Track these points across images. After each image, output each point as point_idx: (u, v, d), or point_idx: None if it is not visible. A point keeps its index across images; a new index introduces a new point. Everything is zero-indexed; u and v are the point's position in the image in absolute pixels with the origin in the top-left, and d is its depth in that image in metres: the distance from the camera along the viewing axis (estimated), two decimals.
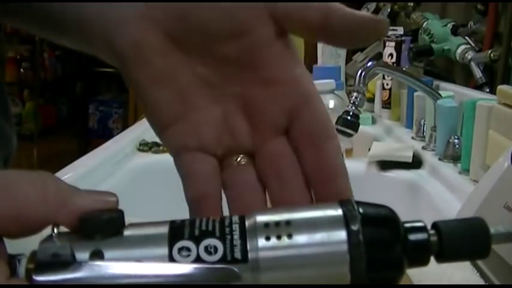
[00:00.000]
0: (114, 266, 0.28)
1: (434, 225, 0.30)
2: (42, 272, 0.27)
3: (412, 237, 0.29)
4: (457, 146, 0.95)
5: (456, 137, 0.96)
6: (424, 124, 1.16)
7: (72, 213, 0.29)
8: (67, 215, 0.29)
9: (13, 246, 0.29)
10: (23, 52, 4.93)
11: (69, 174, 0.83)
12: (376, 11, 1.77)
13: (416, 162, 1.01)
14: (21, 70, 4.94)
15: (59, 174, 0.82)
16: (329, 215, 0.29)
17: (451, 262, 0.30)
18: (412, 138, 1.20)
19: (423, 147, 1.09)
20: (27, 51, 4.92)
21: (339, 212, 0.29)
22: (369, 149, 1.08)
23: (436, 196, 0.87)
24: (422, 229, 0.30)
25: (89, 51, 0.37)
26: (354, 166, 1.06)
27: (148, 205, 0.98)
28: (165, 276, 0.27)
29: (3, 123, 0.54)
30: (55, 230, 0.29)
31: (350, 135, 1.01)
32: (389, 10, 1.71)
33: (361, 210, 0.29)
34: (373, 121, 1.46)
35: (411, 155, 1.02)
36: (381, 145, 1.16)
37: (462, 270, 0.55)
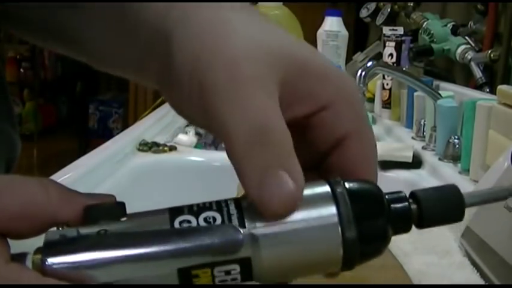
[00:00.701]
0: (121, 237, 0.29)
1: (413, 194, 0.32)
2: (51, 253, 0.28)
3: (395, 206, 0.31)
4: (457, 146, 0.95)
5: (456, 137, 0.96)
6: (424, 124, 1.16)
7: (76, 208, 0.30)
8: (71, 210, 0.30)
9: (17, 247, 0.29)
10: (23, 52, 4.93)
11: (69, 174, 0.83)
12: (376, 11, 1.77)
13: (416, 162, 1.01)
14: (21, 70, 4.94)
15: (59, 174, 0.82)
16: (318, 191, 0.30)
17: (430, 227, 0.32)
18: (412, 138, 1.20)
19: (423, 147, 1.09)
20: (27, 51, 4.92)
21: (327, 187, 0.30)
22: None
23: None
24: (403, 199, 0.32)
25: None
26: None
27: (148, 205, 0.98)
28: (168, 240, 0.29)
29: (7, 127, 0.54)
30: (60, 229, 0.30)
31: None
32: (389, 10, 1.71)
33: (347, 185, 0.30)
34: (373, 121, 1.46)
35: (411, 155, 1.02)
36: (381, 145, 1.16)
37: (462, 271, 0.55)
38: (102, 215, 0.30)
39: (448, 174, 0.91)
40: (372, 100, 1.53)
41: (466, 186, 0.82)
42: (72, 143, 4.45)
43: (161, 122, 1.36)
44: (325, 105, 0.31)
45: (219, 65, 0.28)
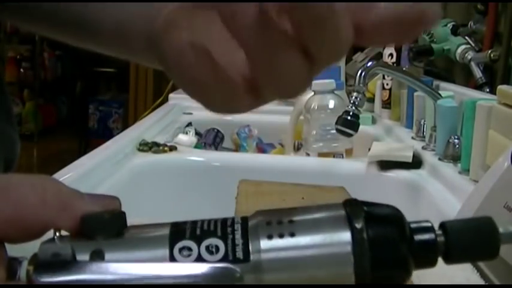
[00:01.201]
0: (114, 266, 0.27)
1: (442, 226, 0.29)
2: (43, 272, 0.27)
3: (418, 237, 0.29)
4: (457, 146, 0.95)
5: (456, 137, 0.96)
6: (424, 124, 1.16)
7: (73, 216, 0.29)
8: (67, 218, 0.29)
9: (16, 251, 0.29)
10: (23, 52, 4.93)
11: (69, 174, 0.83)
12: None
13: (416, 162, 1.01)
14: (21, 70, 4.94)
15: (59, 174, 0.82)
16: (332, 215, 0.28)
17: (459, 263, 0.30)
18: (412, 138, 1.20)
19: (423, 147, 1.09)
20: (27, 51, 4.92)
21: (342, 212, 0.28)
22: (369, 149, 1.07)
23: (436, 196, 0.87)
24: (429, 229, 0.29)
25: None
26: (354, 166, 1.06)
27: (148, 205, 0.98)
28: (165, 277, 0.27)
29: (6, 127, 0.54)
30: (57, 234, 0.29)
31: (350, 135, 1.01)
32: None
33: (365, 209, 0.28)
34: (373, 121, 1.46)
35: (411, 155, 1.02)
36: (381, 145, 1.16)
37: (463, 271, 0.55)
38: (100, 229, 0.28)
39: (448, 174, 0.90)
40: (371, 100, 1.53)
41: (466, 186, 0.82)
42: (72, 143, 4.45)
43: (161, 122, 1.36)
44: None
45: None
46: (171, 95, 1.67)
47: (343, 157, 1.14)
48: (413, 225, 0.29)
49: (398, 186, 0.99)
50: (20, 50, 4.92)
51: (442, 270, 0.55)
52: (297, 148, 1.31)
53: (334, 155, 1.14)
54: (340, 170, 1.05)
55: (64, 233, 0.29)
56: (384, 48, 1.43)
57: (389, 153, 1.03)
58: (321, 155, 1.14)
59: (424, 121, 1.16)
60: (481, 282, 0.53)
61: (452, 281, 0.53)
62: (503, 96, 0.76)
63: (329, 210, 0.29)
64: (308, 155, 1.16)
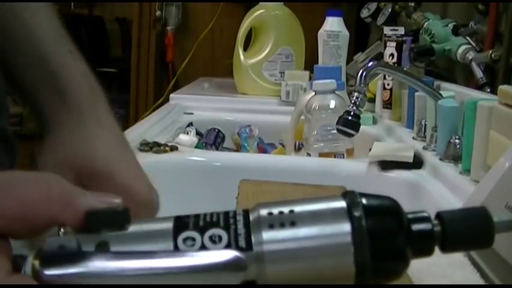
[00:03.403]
0: (120, 257, 0.28)
1: (438, 215, 0.30)
2: (48, 264, 0.27)
3: (416, 226, 0.29)
4: (458, 146, 0.95)
5: (457, 137, 0.96)
6: (425, 124, 1.16)
7: (77, 212, 0.29)
8: (72, 213, 0.29)
9: (17, 249, 0.29)
10: None
11: None
12: (377, 11, 1.77)
13: (417, 163, 1.01)
14: None
15: None
16: (332, 206, 0.29)
17: (455, 252, 0.30)
18: (413, 138, 1.20)
19: (424, 148, 1.09)
20: None
21: (342, 203, 0.29)
22: (370, 149, 1.07)
23: (436, 196, 0.87)
24: (426, 219, 0.30)
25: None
26: (355, 166, 1.06)
27: None
28: (169, 265, 0.28)
29: (6, 127, 0.54)
30: (61, 229, 0.29)
31: (351, 135, 1.01)
32: (390, 10, 1.71)
33: (364, 201, 0.29)
34: (374, 121, 1.46)
35: (412, 155, 1.02)
36: (382, 145, 1.16)
37: (462, 270, 0.55)
38: (104, 223, 0.29)
39: (449, 174, 0.90)
40: (372, 100, 1.53)
41: (467, 186, 0.82)
42: None
43: (162, 122, 1.36)
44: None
45: None
46: (172, 95, 1.67)
47: (344, 157, 1.14)
48: (410, 216, 0.30)
49: (399, 186, 0.99)
50: None
51: (443, 270, 0.55)
52: (298, 148, 1.31)
53: (335, 155, 1.14)
54: (341, 170, 1.05)
55: (68, 229, 0.29)
56: (385, 48, 1.43)
57: (390, 153, 1.03)
58: (322, 155, 1.14)
59: (425, 121, 1.16)
60: (481, 282, 0.53)
61: (453, 281, 0.53)
62: (504, 97, 0.76)
63: (329, 201, 0.29)
64: (309, 155, 1.16)
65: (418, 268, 0.55)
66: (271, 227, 0.28)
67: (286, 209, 0.29)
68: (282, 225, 0.28)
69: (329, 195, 0.30)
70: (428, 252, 0.30)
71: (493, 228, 0.30)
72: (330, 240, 0.28)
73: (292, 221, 0.28)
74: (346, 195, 0.29)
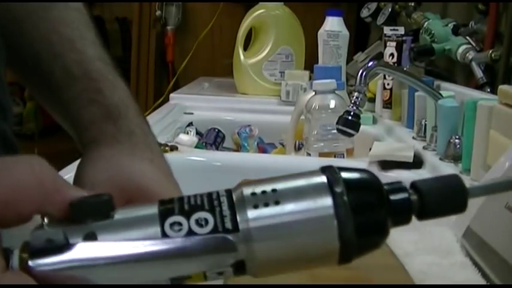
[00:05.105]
0: (108, 246, 0.28)
1: (413, 185, 0.31)
2: (37, 258, 0.27)
3: (394, 197, 0.30)
4: (458, 146, 0.95)
5: (457, 136, 0.96)
6: (425, 124, 1.16)
7: (64, 200, 0.29)
8: (60, 201, 0.29)
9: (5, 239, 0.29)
10: None
11: (69, 174, 0.82)
12: (377, 11, 1.77)
13: (417, 162, 1.01)
14: None
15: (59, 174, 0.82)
16: (313, 181, 0.30)
17: (431, 218, 0.31)
18: (413, 138, 1.20)
19: (424, 147, 1.09)
20: None
21: (323, 178, 0.29)
22: (370, 149, 1.07)
23: None
24: (403, 189, 0.31)
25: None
26: (355, 166, 1.06)
27: None
28: (159, 252, 0.28)
29: (5, 127, 0.55)
30: (45, 219, 0.29)
31: (351, 135, 1.01)
32: (390, 10, 1.71)
33: (343, 175, 0.30)
34: (374, 121, 1.46)
35: (412, 154, 1.01)
36: (382, 145, 1.16)
37: (464, 271, 0.55)
38: (89, 212, 0.29)
39: None
40: (372, 100, 1.53)
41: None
42: (73, 143, 4.44)
43: (162, 122, 1.36)
44: None
45: None
46: (172, 95, 1.67)
47: (344, 157, 1.14)
48: (387, 187, 0.31)
49: None
50: None
51: (444, 271, 0.55)
52: (298, 148, 1.31)
53: (335, 155, 1.14)
54: None
55: (51, 220, 0.29)
56: (385, 48, 1.43)
57: (390, 153, 1.03)
58: (322, 155, 1.14)
59: (425, 121, 1.16)
60: (482, 282, 0.53)
61: (454, 281, 0.53)
62: (504, 96, 0.76)
63: (309, 177, 0.30)
64: (309, 155, 1.16)
65: (420, 269, 0.55)
66: (255, 207, 0.29)
67: (268, 188, 0.30)
68: (266, 205, 0.29)
69: (309, 171, 0.30)
70: (406, 221, 0.31)
71: (467, 194, 0.31)
72: (313, 214, 0.29)
73: (276, 200, 0.29)
74: (325, 169, 0.30)
